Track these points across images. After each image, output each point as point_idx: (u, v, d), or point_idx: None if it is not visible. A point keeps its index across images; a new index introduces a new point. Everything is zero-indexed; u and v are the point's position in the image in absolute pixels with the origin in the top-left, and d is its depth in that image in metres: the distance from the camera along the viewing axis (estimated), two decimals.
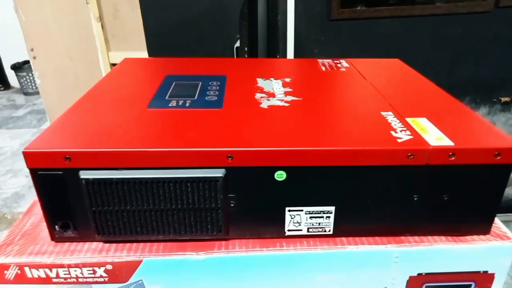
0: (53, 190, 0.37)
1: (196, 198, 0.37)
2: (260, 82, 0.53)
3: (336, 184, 0.38)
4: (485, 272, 0.40)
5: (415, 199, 0.38)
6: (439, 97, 0.48)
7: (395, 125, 0.40)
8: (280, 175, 0.37)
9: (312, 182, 0.37)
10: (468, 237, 0.40)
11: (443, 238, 0.40)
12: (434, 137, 0.38)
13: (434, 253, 0.39)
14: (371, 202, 0.38)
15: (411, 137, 0.38)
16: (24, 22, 1.53)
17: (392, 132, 0.38)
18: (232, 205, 0.38)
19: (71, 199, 0.37)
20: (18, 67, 2.73)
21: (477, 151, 0.36)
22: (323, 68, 0.59)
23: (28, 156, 0.35)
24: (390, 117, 0.42)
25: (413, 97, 0.48)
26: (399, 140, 0.37)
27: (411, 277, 0.40)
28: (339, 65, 0.60)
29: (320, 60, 0.62)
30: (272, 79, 0.54)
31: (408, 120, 0.41)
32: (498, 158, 0.36)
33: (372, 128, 0.40)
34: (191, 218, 0.38)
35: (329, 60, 0.63)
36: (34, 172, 0.36)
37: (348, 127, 0.40)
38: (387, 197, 0.38)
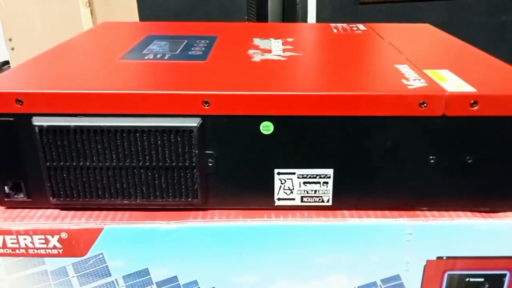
0: (3, 140, 0.38)
1: (167, 154, 0.38)
2: (257, 41, 0.54)
3: (334, 141, 0.38)
4: None
5: (432, 161, 0.38)
6: (471, 54, 0.48)
7: (408, 75, 0.40)
8: (267, 128, 0.37)
9: (305, 137, 0.38)
10: (500, 214, 0.40)
11: (468, 213, 0.40)
12: (454, 84, 0.38)
13: (457, 230, 0.39)
14: (378, 164, 0.39)
15: (426, 84, 0.38)
16: (3, 8, 1.60)
17: (404, 81, 0.39)
18: (210, 164, 0.39)
19: (24, 153, 0.39)
20: None
21: (504, 99, 0.36)
22: (335, 31, 0.60)
23: None
24: (404, 68, 0.42)
25: (437, 54, 0.48)
26: (410, 87, 0.37)
27: (428, 262, 0.40)
28: (354, 28, 0.61)
29: (333, 24, 0.64)
30: (271, 38, 0.56)
31: (426, 71, 0.42)
32: None
33: (380, 78, 0.40)
34: (161, 178, 0.39)
35: (344, 24, 0.64)
36: None
37: (352, 77, 0.41)
38: (397, 158, 0.38)
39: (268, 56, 0.47)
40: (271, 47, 0.51)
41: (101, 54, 0.48)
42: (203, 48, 0.50)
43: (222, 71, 0.42)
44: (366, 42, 0.54)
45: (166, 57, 0.47)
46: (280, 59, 0.46)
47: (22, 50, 1.57)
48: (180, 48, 0.50)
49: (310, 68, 0.44)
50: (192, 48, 0.50)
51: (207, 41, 0.54)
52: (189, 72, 0.41)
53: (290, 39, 0.55)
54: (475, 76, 0.40)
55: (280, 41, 0.54)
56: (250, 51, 0.49)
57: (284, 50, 0.50)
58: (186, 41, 0.54)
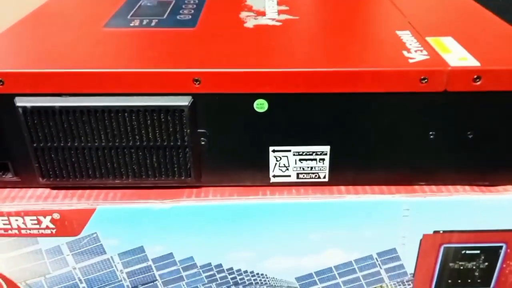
0: None
1: (157, 133, 0.38)
2: (250, 0, 0.53)
3: (331, 117, 0.38)
4: None
5: (431, 136, 0.38)
6: (480, 17, 0.47)
7: (410, 44, 0.40)
8: (261, 105, 0.37)
9: (301, 115, 0.38)
10: (499, 188, 0.41)
11: (466, 188, 0.41)
12: (457, 57, 0.37)
13: (455, 205, 0.40)
14: (376, 140, 0.39)
15: (427, 57, 0.37)
16: None
17: (405, 52, 0.38)
18: (203, 143, 0.39)
19: (9, 133, 0.39)
20: None
21: (509, 74, 0.36)
22: None
23: None
24: (406, 36, 0.41)
25: (441, 16, 0.47)
26: (411, 61, 0.37)
27: (425, 236, 0.41)
28: None
29: None
30: None
31: (429, 39, 0.41)
32: None
33: (380, 48, 0.40)
34: (153, 158, 0.39)
35: None
36: None
37: (350, 48, 0.40)
38: (396, 134, 0.38)
39: (261, 21, 0.46)
40: (265, 8, 0.50)
41: (84, 20, 0.46)
42: (192, 11, 0.49)
43: (213, 41, 0.41)
44: (366, 1, 0.52)
45: (153, 24, 0.45)
46: (275, 24, 0.45)
47: None
48: (167, 11, 0.49)
49: (305, 36, 0.43)
50: (181, 11, 0.49)
51: (197, 1, 0.52)
52: (178, 44, 0.41)
53: None
54: (480, 44, 0.40)
55: (275, 0, 0.53)
56: (243, 14, 0.48)
57: (279, 12, 0.48)
58: (174, 1, 0.52)
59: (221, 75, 0.36)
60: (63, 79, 0.36)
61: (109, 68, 0.36)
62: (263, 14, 0.48)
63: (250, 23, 0.45)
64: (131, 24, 0.45)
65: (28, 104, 0.37)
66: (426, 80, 0.36)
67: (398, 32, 0.42)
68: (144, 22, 0.46)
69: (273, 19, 0.46)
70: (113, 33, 0.43)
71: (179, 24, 0.45)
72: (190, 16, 0.47)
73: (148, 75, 0.36)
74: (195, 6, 0.50)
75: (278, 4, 0.51)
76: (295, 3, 0.52)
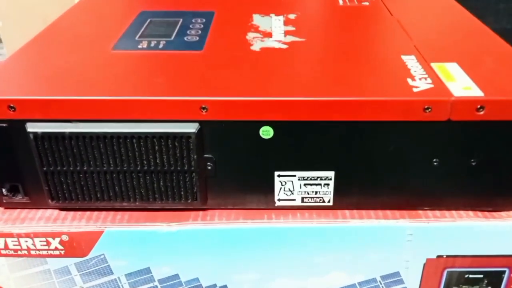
0: None
1: (165, 158, 0.39)
2: (257, 19, 0.54)
3: (335, 145, 0.39)
4: None
5: (435, 163, 0.39)
6: (485, 40, 0.48)
7: (415, 71, 0.41)
8: (266, 132, 0.38)
9: (305, 142, 0.39)
10: (502, 213, 0.41)
11: (470, 213, 0.42)
12: (461, 86, 0.38)
13: (458, 231, 0.41)
14: (380, 167, 0.40)
15: (431, 86, 0.38)
16: None
17: (409, 80, 0.39)
18: (209, 167, 0.40)
19: (20, 157, 0.40)
20: None
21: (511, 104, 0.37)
22: (341, 2, 0.59)
23: None
24: (411, 61, 0.42)
25: (448, 39, 0.48)
26: (415, 90, 0.38)
27: (428, 260, 0.42)
28: None
29: None
30: (272, 15, 0.55)
31: (434, 65, 0.42)
32: None
33: (385, 75, 0.41)
34: (160, 182, 0.40)
35: None
36: None
37: (355, 75, 0.41)
38: (400, 161, 0.39)
39: (268, 43, 0.47)
40: (272, 29, 0.51)
41: (93, 41, 0.48)
42: (199, 31, 0.50)
43: (220, 67, 0.42)
44: (373, 20, 0.53)
45: (161, 46, 0.47)
46: (281, 46, 0.46)
47: None
48: (175, 32, 0.50)
49: (311, 61, 0.44)
50: (188, 31, 0.50)
51: (204, 20, 0.53)
52: (186, 70, 0.42)
53: (292, 16, 0.55)
54: (485, 71, 0.40)
55: (281, 19, 0.54)
56: (249, 35, 0.49)
57: (285, 34, 0.49)
58: (181, 20, 0.53)
59: (227, 103, 0.37)
60: (73, 106, 0.38)
61: (118, 96, 0.38)
62: (269, 35, 0.49)
63: (256, 45, 0.47)
64: (139, 46, 0.46)
65: (39, 130, 0.38)
66: (429, 110, 0.37)
67: (404, 57, 0.43)
68: (152, 44, 0.47)
69: (279, 41, 0.48)
70: (121, 56, 0.45)
71: (187, 47, 0.46)
72: (198, 38, 0.48)
73: (156, 103, 0.37)
74: (202, 26, 0.51)
75: (285, 24, 0.52)
76: (301, 23, 0.53)
